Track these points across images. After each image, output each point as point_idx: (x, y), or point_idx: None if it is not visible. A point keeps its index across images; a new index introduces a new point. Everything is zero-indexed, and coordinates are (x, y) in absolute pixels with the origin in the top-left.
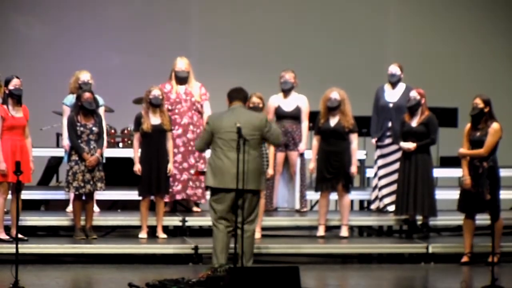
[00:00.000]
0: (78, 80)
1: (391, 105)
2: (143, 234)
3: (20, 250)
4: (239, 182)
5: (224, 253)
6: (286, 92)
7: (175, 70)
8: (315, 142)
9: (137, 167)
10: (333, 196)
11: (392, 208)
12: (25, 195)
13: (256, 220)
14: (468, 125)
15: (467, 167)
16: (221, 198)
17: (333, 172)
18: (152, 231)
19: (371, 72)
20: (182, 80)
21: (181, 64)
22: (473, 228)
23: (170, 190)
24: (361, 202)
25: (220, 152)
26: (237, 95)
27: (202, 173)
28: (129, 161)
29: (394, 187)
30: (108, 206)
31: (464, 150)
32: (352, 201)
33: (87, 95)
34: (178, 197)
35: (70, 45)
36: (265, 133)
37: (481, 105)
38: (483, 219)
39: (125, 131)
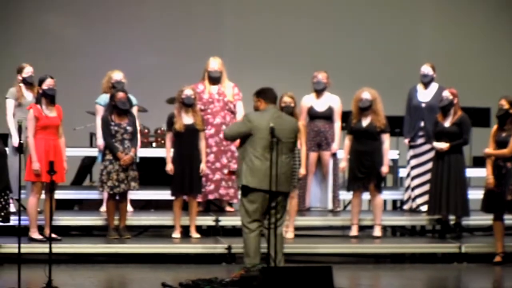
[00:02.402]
0: (111, 79)
1: (423, 105)
2: (176, 234)
3: (54, 250)
4: (273, 184)
5: (257, 253)
6: (319, 92)
7: (208, 70)
8: (347, 142)
9: (170, 167)
10: (366, 196)
11: (425, 208)
12: (59, 195)
13: (284, 220)
14: (495, 126)
15: (491, 167)
16: (255, 198)
17: (365, 172)
18: (185, 230)
19: (404, 72)
20: (215, 80)
21: (214, 64)
22: (502, 228)
23: (203, 189)
24: (394, 202)
25: (260, 153)
26: (271, 96)
27: (234, 172)
28: (162, 161)
29: (427, 187)
30: (142, 205)
31: (489, 150)
32: (385, 201)
33: (120, 94)
34: (211, 196)
35: (103, 45)
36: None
37: (506, 106)
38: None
39: (158, 131)
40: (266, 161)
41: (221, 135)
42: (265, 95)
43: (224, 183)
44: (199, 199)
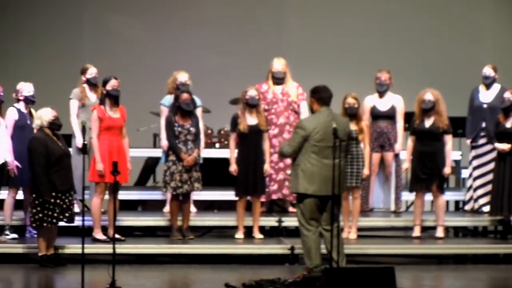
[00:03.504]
0: (176, 80)
1: (485, 105)
2: (239, 235)
3: (117, 250)
4: (331, 186)
5: (318, 254)
6: (382, 93)
7: (272, 70)
8: (410, 142)
9: (233, 168)
10: (429, 196)
11: (487, 208)
12: (122, 195)
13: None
14: None
15: None
16: (310, 202)
17: (428, 173)
18: (248, 231)
19: (466, 73)
20: (278, 80)
21: (278, 64)
22: None
23: (266, 190)
24: (457, 202)
25: (315, 158)
26: (324, 97)
27: None
28: (226, 162)
29: (489, 188)
30: (205, 206)
31: None
32: (447, 202)
33: (185, 96)
34: (274, 196)
35: (167, 46)
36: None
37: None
38: None
39: (222, 132)
40: (323, 165)
41: (285, 135)
42: (319, 95)
43: (288, 183)
44: (263, 199)
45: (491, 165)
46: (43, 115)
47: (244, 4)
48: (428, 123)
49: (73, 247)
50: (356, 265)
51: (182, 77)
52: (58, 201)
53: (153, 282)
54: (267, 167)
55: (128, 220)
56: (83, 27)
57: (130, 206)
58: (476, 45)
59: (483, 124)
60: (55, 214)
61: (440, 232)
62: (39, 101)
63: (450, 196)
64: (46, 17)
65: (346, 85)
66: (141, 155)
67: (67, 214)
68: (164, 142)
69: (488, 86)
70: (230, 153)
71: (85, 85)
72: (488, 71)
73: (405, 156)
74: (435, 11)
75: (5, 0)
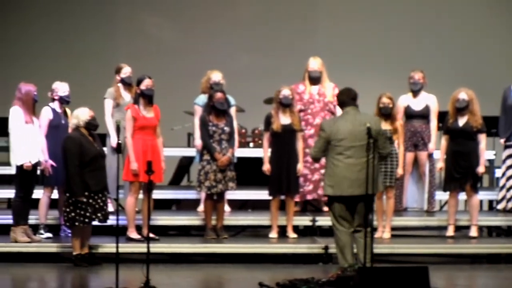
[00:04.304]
0: (209, 80)
1: None
2: (273, 234)
3: (152, 250)
4: (360, 186)
5: (351, 253)
6: (416, 92)
7: (308, 70)
8: (443, 142)
9: (266, 167)
10: (463, 196)
11: None
12: (157, 194)
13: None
14: None
15: None
16: (340, 204)
17: (461, 172)
18: (282, 230)
19: (499, 72)
20: (315, 80)
21: (314, 64)
22: None
23: (301, 190)
24: (490, 202)
25: (337, 159)
26: (348, 98)
27: None
28: (260, 161)
29: None
30: (239, 205)
31: None
32: (481, 201)
33: (219, 95)
34: (309, 197)
35: (201, 45)
36: (379, 136)
37: None
38: None
39: (256, 131)
40: (346, 165)
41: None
42: (341, 97)
43: (323, 184)
44: (297, 199)
45: None
46: (80, 115)
47: (277, 3)
48: (461, 122)
49: (107, 246)
50: (389, 265)
51: (216, 76)
52: (91, 201)
53: (187, 281)
54: (300, 166)
55: (162, 219)
56: (117, 27)
57: (164, 205)
58: (509, 44)
59: None
60: (88, 214)
61: (473, 232)
62: (73, 100)
63: (483, 195)
64: (80, 17)
65: (380, 84)
66: (175, 154)
67: (99, 214)
68: (197, 141)
69: None
70: (263, 152)
71: (120, 85)
72: None
73: (439, 155)
74: (467, 10)
75: (40, 0)
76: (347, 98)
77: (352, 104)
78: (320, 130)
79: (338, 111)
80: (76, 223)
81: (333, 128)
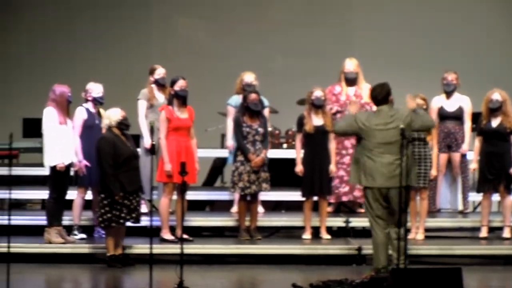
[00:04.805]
0: (242, 81)
1: None
2: (306, 235)
3: (185, 251)
4: (390, 180)
5: (385, 254)
6: (449, 93)
7: (344, 71)
8: (477, 143)
9: (299, 168)
10: (496, 197)
11: None
12: (190, 195)
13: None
14: None
15: None
16: (375, 198)
17: (495, 173)
18: (315, 232)
19: None
20: (351, 81)
21: (350, 65)
22: None
23: (337, 191)
24: None
25: (370, 153)
26: (380, 96)
27: None
28: (293, 162)
29: None
30: (272, 207)
31: None
32: None
33: (253, 96)
34: (345, 198)
35: (234, 46)
36: (412, 125)
37: None
38: None
39: (289, 132)
40: (379, 161)
41: None
42: (374, 93)
43: (359, 186)
44: (332, 200)
45: None
46: (112, 115)
47: (311, 4)
48: (495, 123)
49: (141, 247)
50: (423, 266)
51: (248, 77)
52: (125, 201)
53: (221, 282)
54: (332, 167)
55: (196, 220)
56: (152, 28)
57: (198, 206)
58: None
59: None
60: (123, 215)
61: (507, 233)
62: (107, 101)
63: None
64: (114, 18)
65: (414, 85)
66: (209, 155)
67: (134, 215)
68: (229, 142)
69: None
70: (296, 153)
71: (153, 86)
72: None
73: (473, 156)
74: (500, 12)
75: (72, 2)
76: (380, 95)
77: (385, 102)
78: (354, 120)
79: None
80: (112, 224)
81: (366, 124)
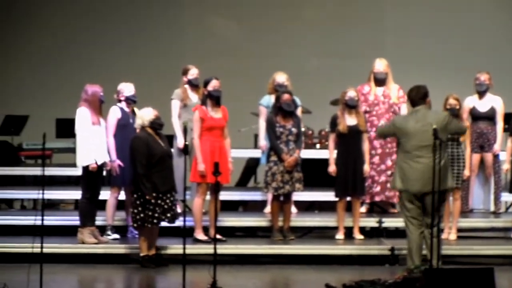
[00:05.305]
0: (274, 81)
1: None
2: (339, 235)
3: (218, 251)
4: (427, 185)
5: (419, 255)
6: (481, 94)
7: (374, 71)
8: (509, 143)
9: (332, 168)
10: None
11: None
12: (224, 196)
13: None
14: None
15: None
16: (408, 199)
17: None
18: (348, 232)
19: None
20: (380, 81)
21: (380, 65)
22: None
23: (370, 191)
24: None
25: (407, 156)
26: (417, 97)
27: None
28: (326, 162)
29: None
30: (305, 207)
31: None
32: None
33: (286, 96)
34: (377, 199)
35: (268, 47)
36: (448, 128)
37: None
38: None
39: (322, 132)
40: (414, 163)
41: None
42: (411, 94)
43: (389, 185)
44: (367, 200)
45: None
46: (144, 115)
47: (343, 4)
48: None
49: (174, 248)
50: (455, 266)
51: (280, 78)
52: (159, 201)
53: (254, 282)
54: (366, 167)
55: (229, 220)
56: (185, 28)
57: (231, 206)
58: None
59: None
60: (156, 215)
61: None
62: (141, 101)
63: None
64: (147, 18)
65: (446, 86)
66: (242, 155)
67: (169, 215)
68: (262, 142)
69: None
70: (329, 154)
71: (187, 86)
72: None
73: (505, 157)
74: None
75: (106, 1)
76: (416, 97)
77: (422, 103)
78: (392, 123)
79: (403, 111)
80: (145, 224)
81: (403, 126)
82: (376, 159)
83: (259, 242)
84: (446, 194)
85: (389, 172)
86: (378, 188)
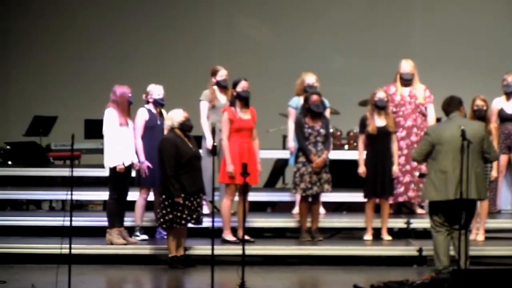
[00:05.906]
0: (303, 82)
1: None
2: (368, 236)
3: (247, 252)
4: (461, 190)
5: (447, 255)
6: (509, 95)
7: (400, 72)
8: None
9: (362, 169)
10: None
11: None
12: (252, 197)
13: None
14: None
15: None
16: (442, 210)
17: None
18: (376, 233)
19: None
20: (406, 82)
21: (406, 66)
22: None
23: (395, 192)
24: None
25: (442, 164)
26: (451, 105)
27: (425, 175)
28: (355, 163)
29: None
30: (334, 208)
31: None
32: None
33: (315, 97)
34: (400, 199)
35: (297, 47)
36: (483, 141)
37: None
38: None
39: (351, 133)
40: (450, 170)
41: (412, 138)
42: (444, 103)
43: (413, 186)
44: (391, 201)
45: None
46: (174, 116)
47: (371, 5)
48: None
49: (202, 248)
50: (483, 267)
51: (310, 79)
52: (187, 202)
53: (282, 283)
54: (395, 168)
55: (258, 221)
56: (213, 28)
57: (259, 207)
58: None
59: None
60: (184, 216)
61: None
62: (169, 102)
63: None
64: (176, 18)
65: (474, 87)
66: (270, 156)
67: (195, 216)
68: (291, 143)
69: None
70: (359, 154)
71: (215, 87)
72: None
73: None
74: None
75: (134, 2)
76: (450, 106)
77: (457, 110)
78: (426, 135)
79: (430, 113)
80: (173, 225)
81: (437, 132)
82: (401, 160)
83: (288, 243)
84: (476, 202)
85: (416, 173)
86: (402, 189)
